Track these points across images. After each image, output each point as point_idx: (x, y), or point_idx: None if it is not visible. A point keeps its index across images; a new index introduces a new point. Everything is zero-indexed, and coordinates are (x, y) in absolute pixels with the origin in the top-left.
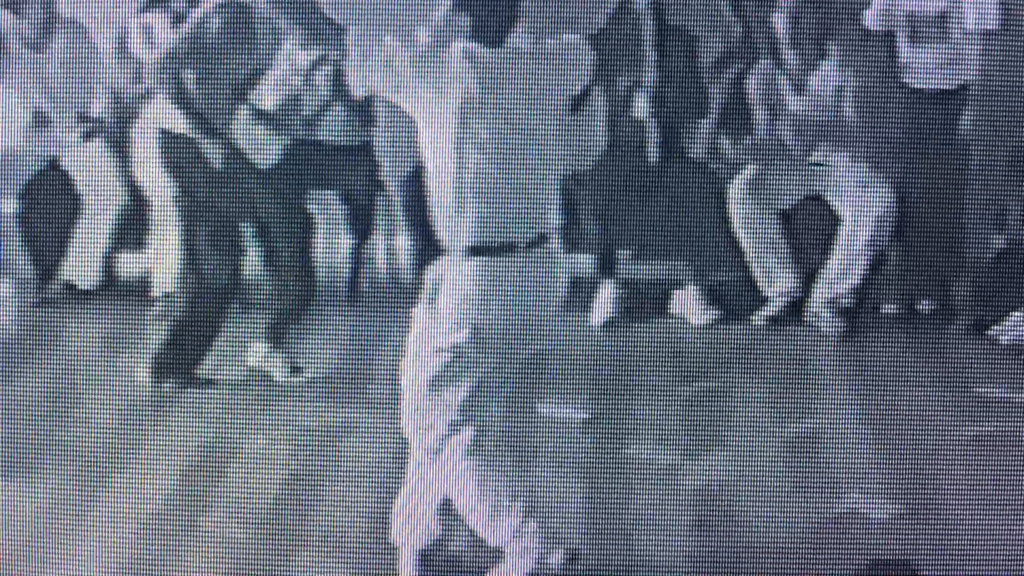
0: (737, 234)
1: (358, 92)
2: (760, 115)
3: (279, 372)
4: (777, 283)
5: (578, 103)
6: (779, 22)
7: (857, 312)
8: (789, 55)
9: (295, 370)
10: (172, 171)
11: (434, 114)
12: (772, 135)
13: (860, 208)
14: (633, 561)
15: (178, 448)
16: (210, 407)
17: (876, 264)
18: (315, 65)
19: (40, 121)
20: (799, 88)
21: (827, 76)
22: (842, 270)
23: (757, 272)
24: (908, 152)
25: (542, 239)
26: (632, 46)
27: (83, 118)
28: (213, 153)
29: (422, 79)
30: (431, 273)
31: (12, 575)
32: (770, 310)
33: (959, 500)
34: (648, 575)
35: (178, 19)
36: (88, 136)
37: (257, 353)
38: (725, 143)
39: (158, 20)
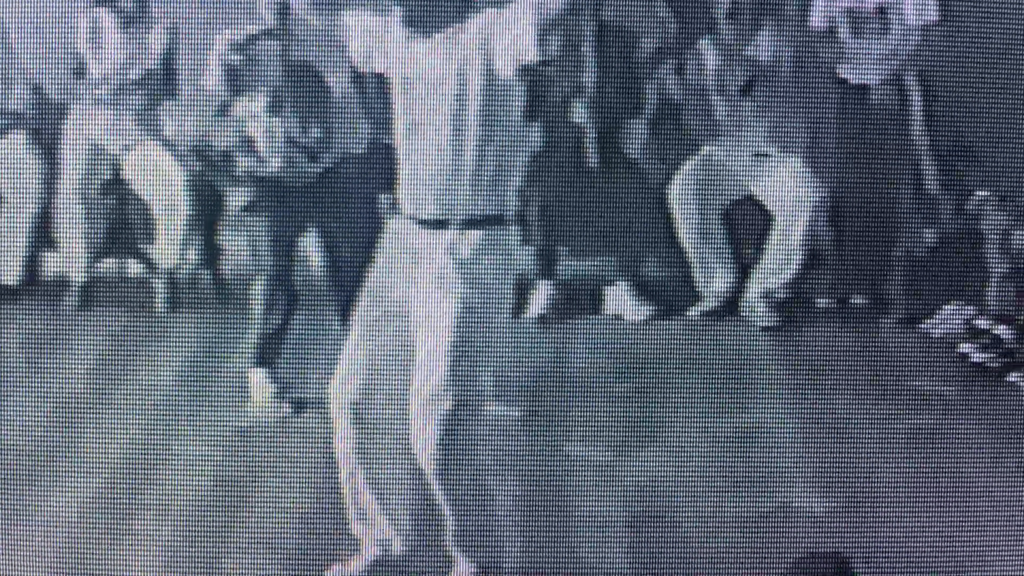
0: (678, 231)
1: (361, 66)
2: (697, 106)
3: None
4: (717, 280)
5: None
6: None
7: (791, 306)
8: (727, 40)
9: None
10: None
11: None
12: (711, 126)
13: (793, 203)
14: (568, 560)
15: (107, 449)
16: (133, 412)
17: (809, 258)
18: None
19: None
20: (733, 82)
21: (762, 69)
22: (776, 265)
23: (697, 269)
24: (842, 146)
25: (498, 219)
26: (570, 47)
27: (1, 112)
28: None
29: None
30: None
31: None
32: (707, 305)
33: (894, 493)
34: (584, 574)
35: (128, 21)
36: (4, 130)
37: (260, 384)
38: (661, 141)
39: (108, 18)
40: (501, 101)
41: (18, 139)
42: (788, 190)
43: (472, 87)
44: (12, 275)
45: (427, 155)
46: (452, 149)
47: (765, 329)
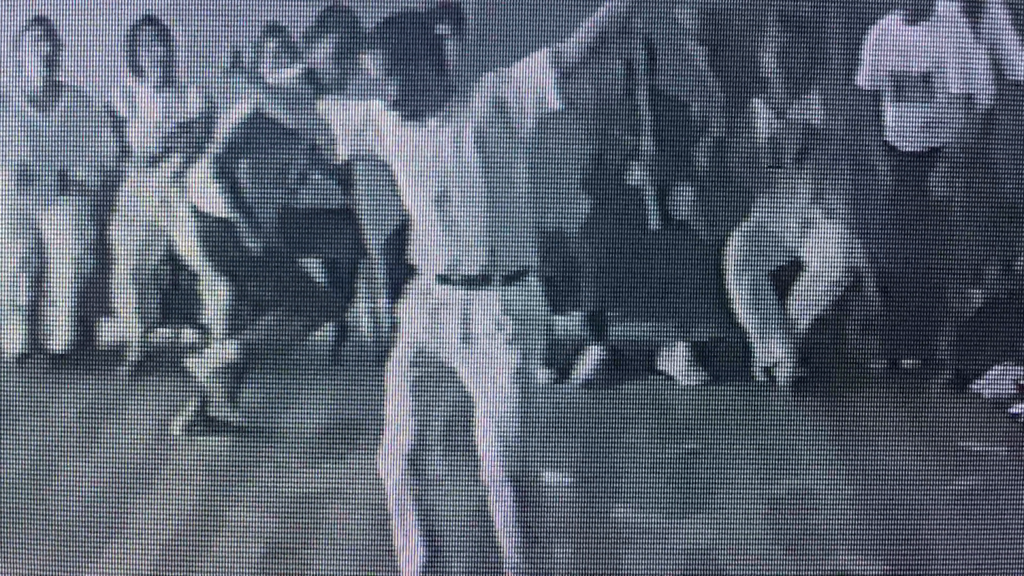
0: (731, 292)
1: (343, 156)
2: (748, 170)
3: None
4: (772, 341)
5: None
6: (768, 73)
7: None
8: (778, 103)
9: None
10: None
11: (414, 158)
12: (763, 190)
13: (827, 260)
14: None
15: (165, 510)
16: (198, 467)
17: (862, 323)
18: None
19: (25, 179)
20: (786, 148)
21: (813, 134)
22: (795, 313)
23: (751, 331)
24: (889, 211)
25: (520, 275)
26: (626, 115)
27: (63, 178)
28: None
29: (404, 134)
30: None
31: None
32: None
33: (946, 555)
34: None
35: (159, 88)
36: (60, 193)
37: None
38: (714, 205)
39: (141, 87)
40: (522, 154)
41: (69, 207)
42: (832, 255)
43: (489, 150)
44: (59, 344)
45: (453, 219)
46: (479, 210)
47: (794, 384)
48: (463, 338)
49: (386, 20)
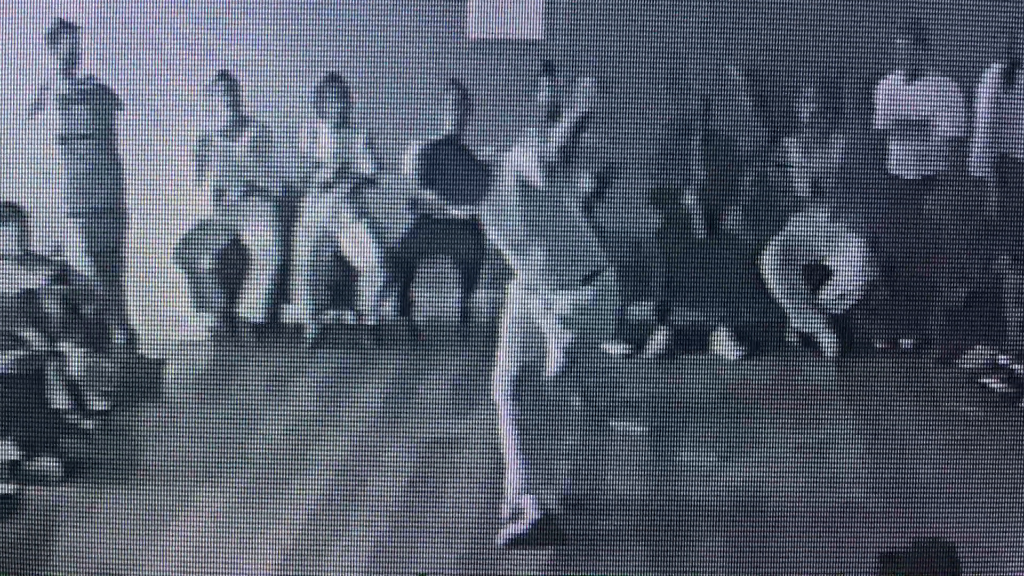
0: (770, 287)
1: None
2: (783, 192)
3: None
4: (808, 319)
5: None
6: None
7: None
8: (808, 140)
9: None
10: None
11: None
12: (794, 208)
13: (852, 270)
14: (680, 539)
15: (328, 458)
16: (351, 427)
17: (868, 310)
18: None
19: (221, 196)
20: (811, 176)
21: (833, 165)
22: (832, 304)
23: (790, 313)
24: (893, 225)
25: (596, 274)
26: (681, 150)
27: (247, 184)
28: None
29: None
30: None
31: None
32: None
33: (933, 490)
34: (693, 548)
35: (341, 124)
36: (246, 197)
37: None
38: (755, 219)
39: (322, 126)
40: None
41: (259, 209)
42: (851, 261)
43: (529, 197)
44: (257, 314)
45: (521, 245)
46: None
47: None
48: (546, 316)
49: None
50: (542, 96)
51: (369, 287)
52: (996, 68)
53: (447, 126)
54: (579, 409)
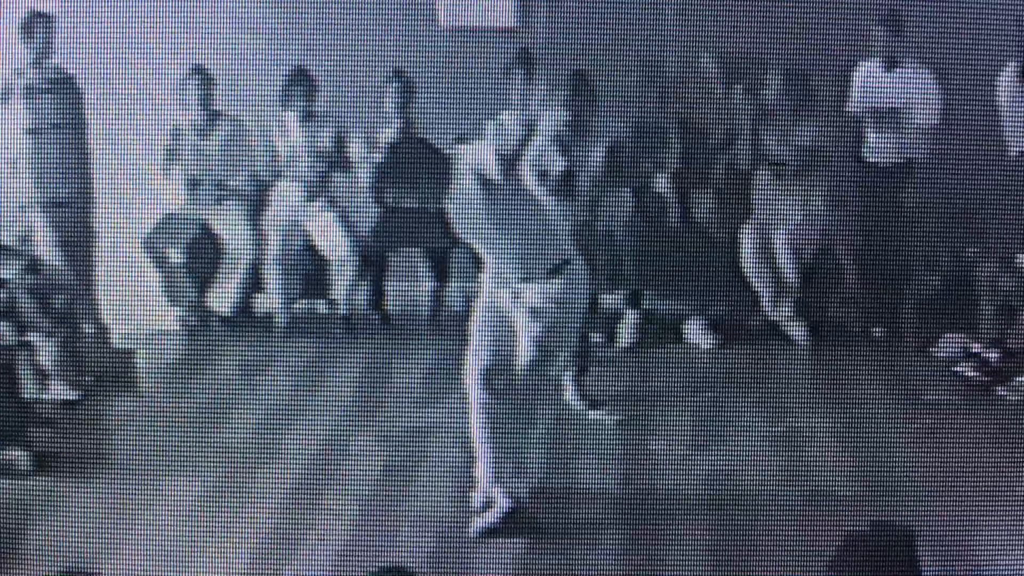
0: (745, 270)
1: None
2: (753, 179)
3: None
4: (779, 306)
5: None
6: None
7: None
8: (780, 130)
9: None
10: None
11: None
12: (764, 196)
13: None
14: (653, 530)
15: (300, 447)
16: (323, 416)
17: (842, 298)
18: None
19: (193, 189)
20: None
21: (806, 151)
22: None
23: (763, 295)
24: (865, 211)
25: (565, 264)
26: (654, 137)
27: (220, 186)
28: None
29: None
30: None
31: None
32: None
33: (908, 477)
34: (665, 532)
35: (307, 116)
36: (220, 200)
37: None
38: (725, 207)
39: (290, 118)
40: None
41: (232, 208)
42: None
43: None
44: (228, 307)
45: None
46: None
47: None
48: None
49: None
50: (516, 88)
51: (340, 277)
52: (1012, 67)
53: (393, 117)
54: (550, 400)
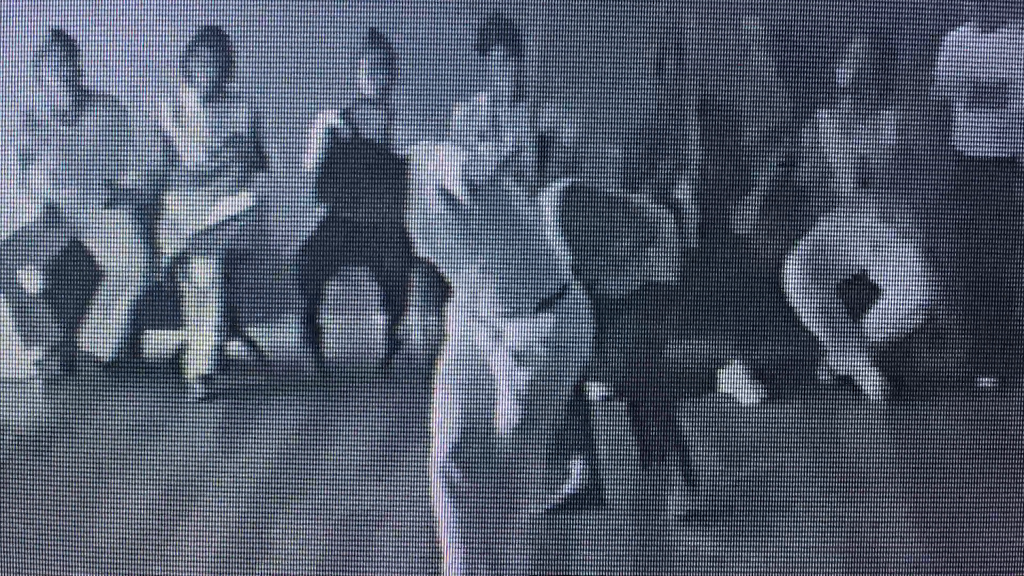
0: (797, 309)
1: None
2: (810, 180)
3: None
4: (845, 352)
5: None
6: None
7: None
8: (847, 112)
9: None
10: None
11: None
12: (825, 201)
13: (903, 291)
14: None
15: (208, 526)
16: (243, 483)
17: (937, 340)
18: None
19: (65, 195)
20: (852, 160)
21: (879, 147)
22: (880, 337)
23: (825, 340)
24: (961, 224)
25: (564, 290)
26: (674, 127)
27: (111, 186)
28: None
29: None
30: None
31: None
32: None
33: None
34: None
35: (208, 98)
36: (110, 204)
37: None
38: (773, 218)
39: (190, 97)
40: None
41: (121, 217)
42: (904, 273)
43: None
44: (110, 349)
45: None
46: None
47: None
48: (494, 354)
49: None
50: (497, 74)
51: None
52: None
53: (366, 90)
54: (538, 476)
